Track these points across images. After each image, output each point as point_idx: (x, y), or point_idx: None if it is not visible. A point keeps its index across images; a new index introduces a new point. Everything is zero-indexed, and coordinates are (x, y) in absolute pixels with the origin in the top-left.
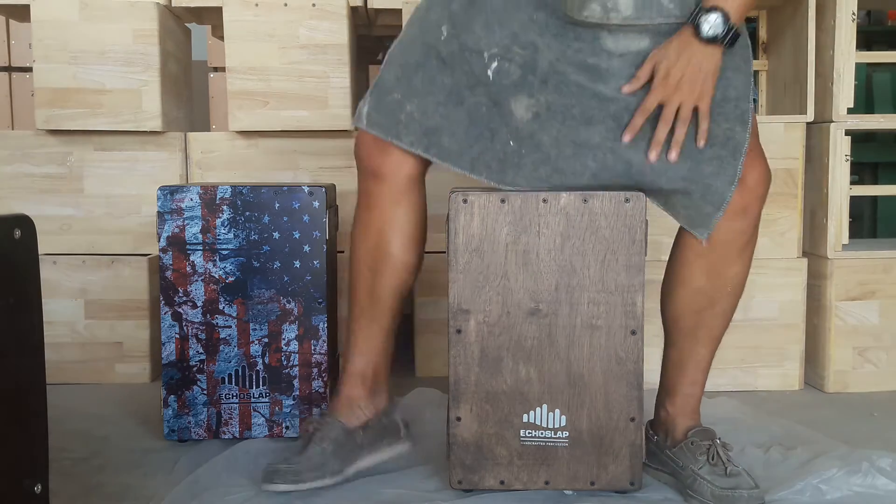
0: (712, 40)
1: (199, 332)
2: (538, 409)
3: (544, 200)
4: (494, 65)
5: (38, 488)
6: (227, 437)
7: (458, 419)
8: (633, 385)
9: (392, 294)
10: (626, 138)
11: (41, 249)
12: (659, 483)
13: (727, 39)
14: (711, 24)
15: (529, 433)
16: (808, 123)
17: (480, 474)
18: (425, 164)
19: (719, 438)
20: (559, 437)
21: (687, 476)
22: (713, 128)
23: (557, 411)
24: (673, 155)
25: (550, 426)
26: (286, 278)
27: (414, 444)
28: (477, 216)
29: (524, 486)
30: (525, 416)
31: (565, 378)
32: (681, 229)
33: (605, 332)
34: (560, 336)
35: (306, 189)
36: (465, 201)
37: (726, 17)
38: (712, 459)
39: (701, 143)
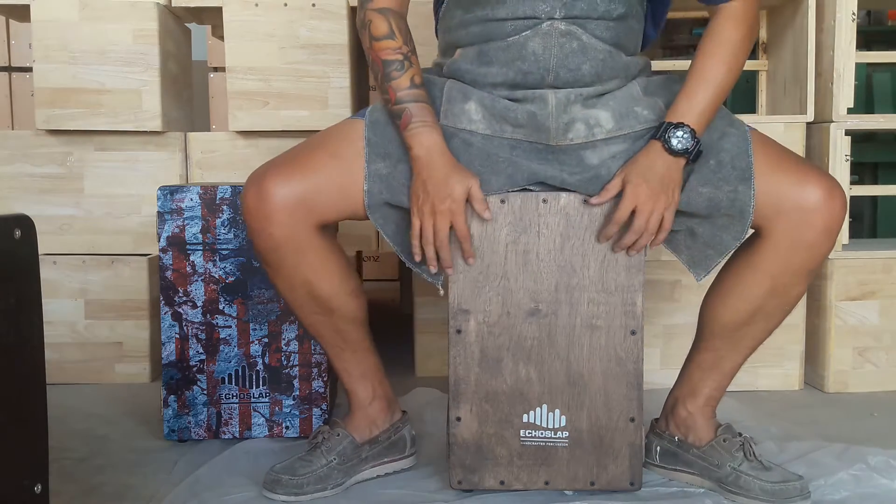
0: (682, 153)
1: (199, 332)
2: (538, 410)
3: (544, 201)
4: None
5: (38, 488)
6: (227, 437)
7: (458, 419)
8: (633, 385)
9: (353, 323)
10: (601, 241)
11: (41, 249)
12: (658, 484)
13: (692, 154)
14: (680, 139)
15: (529, 433)
16: (808, 123)
17: (480, 474)
18: (317, 220)
19: (741, 434)
20: (559, 438)
21: (726, 474)
22: (717, 194)
23: (557, 411)
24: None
25: (550, 426)
26: None
27: (417, 457)
28: (477, 216)
29: (524, 486)
30: (525, 416)
31: (565, 378)
32: (747, 245)
33: (604, 332)
34: (560, 336)
35: None
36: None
37: (693, 133)
38: (749, 455)
39: (653, 247)
